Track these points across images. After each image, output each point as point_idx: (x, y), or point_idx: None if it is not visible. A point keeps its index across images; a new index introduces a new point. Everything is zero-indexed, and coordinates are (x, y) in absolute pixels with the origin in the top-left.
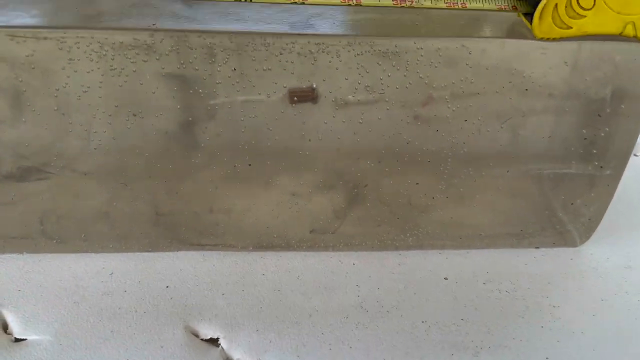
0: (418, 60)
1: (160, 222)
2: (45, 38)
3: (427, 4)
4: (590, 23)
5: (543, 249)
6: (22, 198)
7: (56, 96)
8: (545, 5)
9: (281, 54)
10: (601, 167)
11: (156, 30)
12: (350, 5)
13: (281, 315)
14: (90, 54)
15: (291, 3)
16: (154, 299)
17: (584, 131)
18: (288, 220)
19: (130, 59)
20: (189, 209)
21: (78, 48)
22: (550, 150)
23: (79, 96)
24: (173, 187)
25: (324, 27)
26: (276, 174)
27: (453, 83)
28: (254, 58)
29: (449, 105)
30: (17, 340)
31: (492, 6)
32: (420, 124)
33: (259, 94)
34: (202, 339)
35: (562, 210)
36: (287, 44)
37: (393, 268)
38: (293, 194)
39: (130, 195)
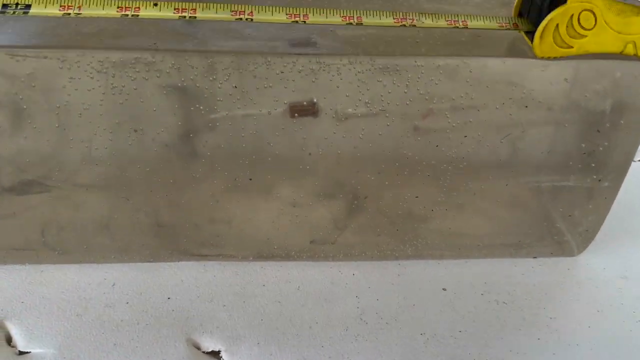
0: (419, 77)
1: (161, 233)
2: (45, 57)
3: (429, 22)
4: (591, 42)
5: (541, 259)
6: (23, 211)
7: (57, 113)
8: (546, 25)
9: (282, 72)
10: (599, 180)
11: (157, 50)
12: (351, 24)
13: (282, 327)
14: (91, 73)
15: (292, 22)
16: (155, 311)
17: (583, 145)
18: (288, 230)
19: (131, 77)
20: (190, 220)
21: (79, 67)
22: (549, 164)
23: (80, 113)
24: (174, 199)
25: (325, 43)
26: (276, 186)
27: (453, 99)
28: (254, 75)
29: (449, 121)
30: (21, 353)
31: (493, 24)
32: (420, 138)
33: (260, 110)
34: (204, 352)
35: (561, 221)
36: (287, 63)
37: (392, 278)
38: (293, 205)
39: (131, 208)
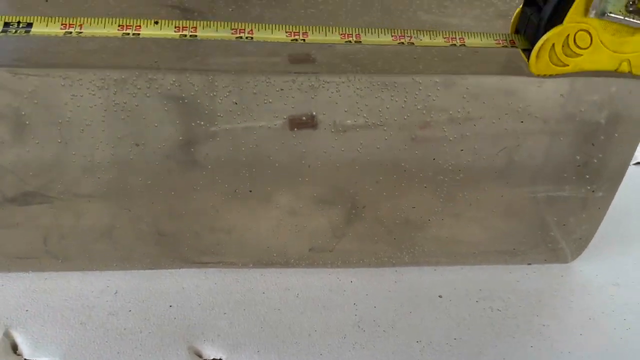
0: (416, 93)
1: (162, 242)
2: (47, 75)
3: (426, 39)
4: (587, 61)
5: (535, 265)
6: (26, 220)
7: (59, 129)
8: (542, 44)
9: (282, 89)
10: (593, 191)
11: (158, 68)
12: (350, 42)
13: (281, 335)
14: (93, 90)
15: (292, 40)
16: (158, 319)
17: (578, 157)
18: (287, 239)
19: (132, 93)
20: (191, 229)
21: (81, 84)
22: (545, 175)
23: (82, 129)
24: (175, 209)
25: (324, 59)
26: (276, 196)
27: (450, 113)
28: (254, 92)
29: (446, 134)
30: None
31: (491, 42)
32: (417, 151)
33: (260, 124)
34: None
35: (555, 230)
36: (287, 81)
37: (389, 285)
38: (292, 214)
39: (133, 217)
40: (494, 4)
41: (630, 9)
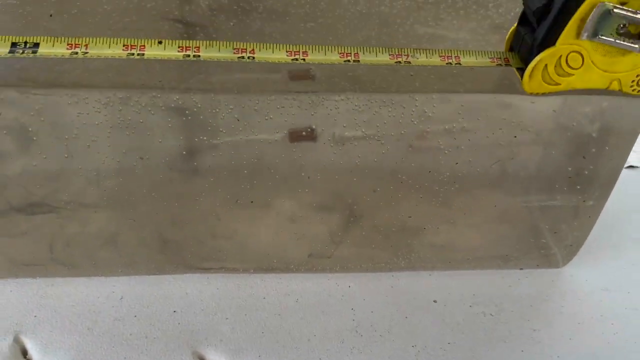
0: (413, 109)
1: (166, 249)
2: (54, 94)
3: (422, 58)
4: (578, 80)
5: (527, 270)
6: (32, 229)
7: (66, 144)
8: (535, 65)
9: (283, 107)
10: (584, 200)
11: (162, 88)
12: (349, 61)
13: (282, 340)
14: (99, 108)
15: (292, 60)
16: (162, 325)
17: (570, 169)
18: (287, 245)
19: (136, 111)
20: (193, 236)
21: (87, 103)
22: (537, 186)
23: (88, 145)
24: (178, 218)
25: (324, 75)
26: (276, 205)
27: (446, 128)
28: (256, 109)
29: (442, 147)
30: None
31: (486, 60)
32: (413, 164)
33: (261, 139)
34: None
35: (547, 236)
36: (287, 99)
37: (386, 290)
38: (292, 221)
39: (137, 226)
40: (490, 16)
41: (621, 31)
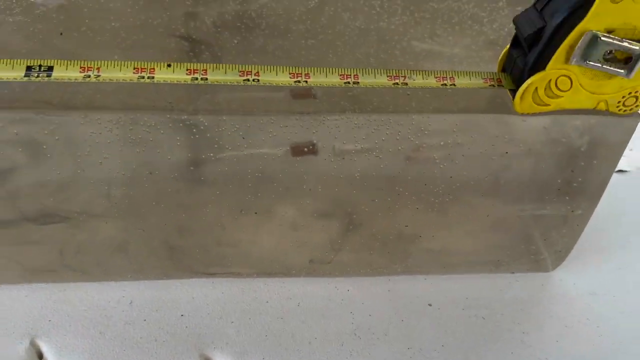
0: (409, 128)
1: (173, 256)
2: (68, 116)
3: (419, 79)
4: (567, 101)
5: (518, 274)
6: (44, 238)
7: (79, 161)
8: (526, 88)
9: (286, 126)
10: (572, 210)
11: (172, 109)
12: (349, 84)
13: (284, 343)
14: (110, 128)
15: (295, 82)
16: (171, 328)
17: (559, 181)
18: (289, 251)
19: (147, 130)
20: (200, 244)
21: (99, 123)
22: (528, 197)
23: (100, 162)
24: (185, 228)
25: (324, 95)
26: (279, 216)
27: (441, 144)
28: (260, 129)
29: (437, 161)
30: None
31: (479, 82)
32: (410, 177)
33: (264, 155)
34: None
35: (538, 243)
36: (290, 119)
37: (383, 294)
38: (294, 229)
39: (146, 236)
40: (484, 32)
41: (608, 57)
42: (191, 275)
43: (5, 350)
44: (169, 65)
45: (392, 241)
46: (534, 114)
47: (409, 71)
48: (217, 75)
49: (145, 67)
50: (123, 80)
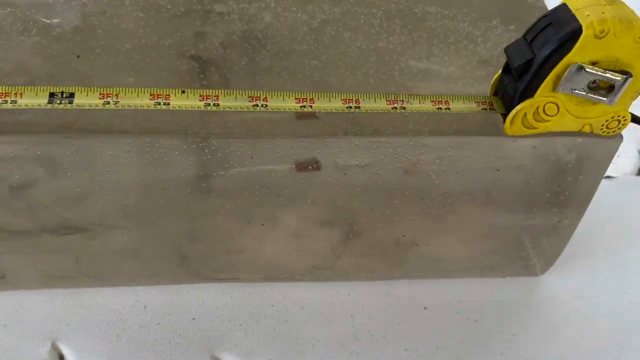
0: (407, 148)
1: (185, 263)
2: (88, 139)
3: (416, 104)
4: (554, 124)
5: (508, 278)
6: (62, 247)
7: (97, 180)
8: (515, 113)
9: (292, 147)
10: (560, 221)
11: (186, 133)
12: (351, 108)
13: (289, 345)
14: (128, 149)
15: (301, 107)
16: (183, 331)
17: (547, 195)
18: (293, 258)
19: (162, 152)
20: (209, 252)
21: (118, 146)
22: (519, 208)
23: (118, 180)
24: (195, 238)
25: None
26: (284, 226)
27: (437, 163)
28: (267, 150)
29: (433, 178)
30: None
31: (472, 105)
32: (407, 192)
33: (271, 171)
34: None
35: (527, 250)
36: (296, 141)
37: (382, 298)
38: (298, 237)
39: (159, 245)
40: (478, 52)
41: (592, 86)
42: (201, 281)
43: (30, 353)
44: (183, 92)
45: (390, 249)
46: (522, 136)
47: (406, 95)
48: (228, 102)
49: (161, 93)
50: (141, 107)
